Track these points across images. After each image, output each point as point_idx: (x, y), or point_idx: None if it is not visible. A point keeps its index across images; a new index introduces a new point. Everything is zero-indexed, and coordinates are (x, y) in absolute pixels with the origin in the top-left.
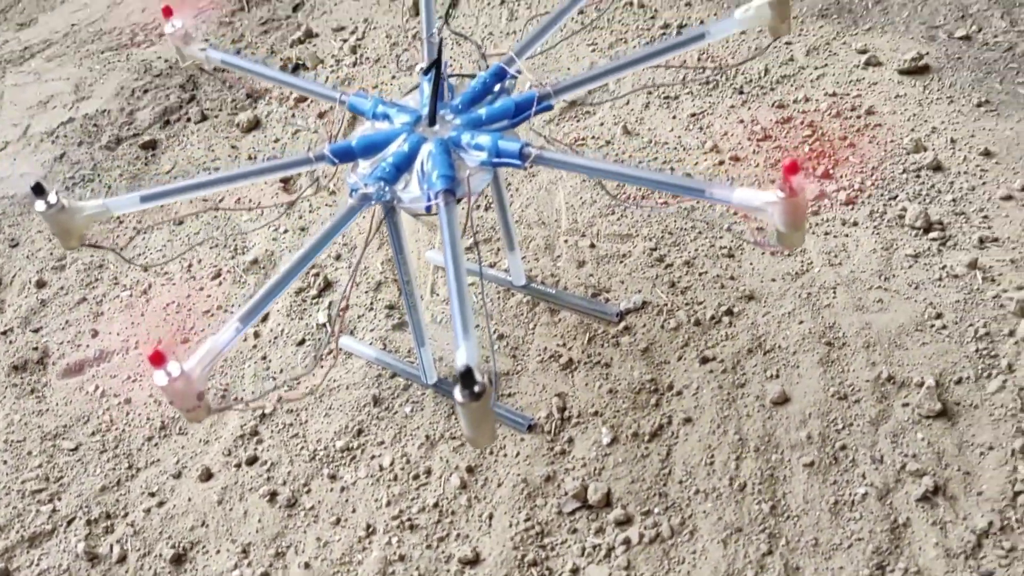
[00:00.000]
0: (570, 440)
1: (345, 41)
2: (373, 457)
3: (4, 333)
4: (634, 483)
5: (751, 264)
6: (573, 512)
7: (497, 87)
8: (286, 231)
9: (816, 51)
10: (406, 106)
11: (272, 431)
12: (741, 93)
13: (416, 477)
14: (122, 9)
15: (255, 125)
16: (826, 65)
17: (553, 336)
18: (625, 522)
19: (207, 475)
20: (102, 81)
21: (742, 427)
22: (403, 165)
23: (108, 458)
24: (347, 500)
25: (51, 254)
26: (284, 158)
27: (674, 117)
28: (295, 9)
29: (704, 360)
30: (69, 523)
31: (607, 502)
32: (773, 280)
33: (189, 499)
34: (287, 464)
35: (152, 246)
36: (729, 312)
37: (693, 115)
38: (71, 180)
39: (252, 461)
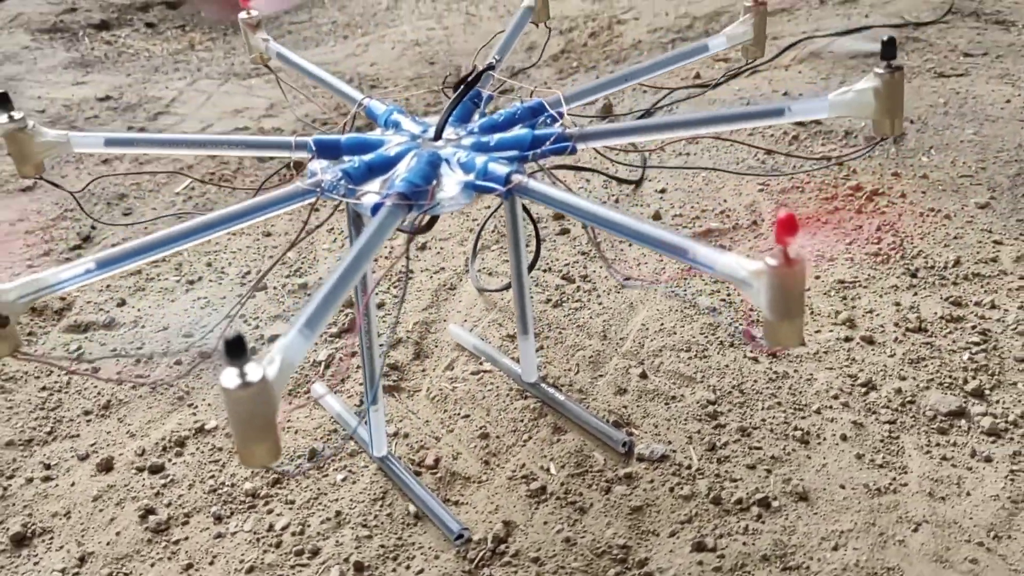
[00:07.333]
0: None
1: None
2: (271, 514)
3: None
4: None
5: (823, 459)
6: None
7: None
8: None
9: None
10: (425, 121)
11: (199, 447)
12: (914, 276)
13: (299, 553)
14: (356, 60)
15: None
16: None
17: (541, 456)
18: None
19: (106, 467)
20: (294, 107)
21: None
22: (378, 168)
23: (36, 417)
24: (212, 549)
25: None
26: (263, 137)
27: (817, 277)
28: None
29: (699, 547)
30: None
31: None
32: (842, 487)
33: (73, 484)
34: (185, 487)
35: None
36: (764, 504)
37: (842, 282)
38: (208, 174)
39: (156, 470)
